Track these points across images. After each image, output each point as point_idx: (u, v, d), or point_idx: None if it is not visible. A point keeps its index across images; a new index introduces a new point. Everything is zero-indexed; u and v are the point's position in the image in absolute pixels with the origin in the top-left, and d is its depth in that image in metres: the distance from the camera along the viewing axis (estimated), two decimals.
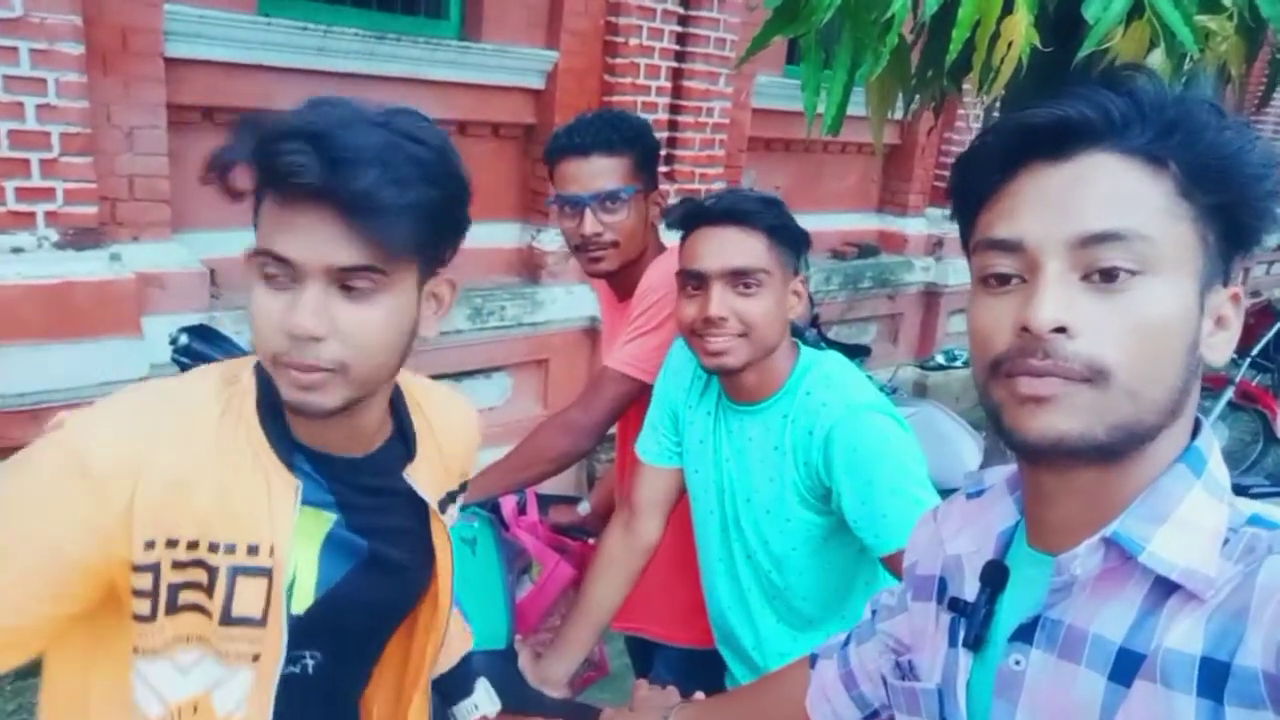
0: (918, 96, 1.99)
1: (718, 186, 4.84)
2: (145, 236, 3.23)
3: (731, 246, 1.44)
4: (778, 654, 1.62)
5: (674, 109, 4.53)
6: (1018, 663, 0.73)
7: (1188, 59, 1.51)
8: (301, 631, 0.97)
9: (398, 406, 1.08)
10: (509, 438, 2.01)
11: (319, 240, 0.84)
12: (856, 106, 1.96)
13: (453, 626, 1.37)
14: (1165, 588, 0.67)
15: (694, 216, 1.49)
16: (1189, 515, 0.68)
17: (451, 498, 1.16)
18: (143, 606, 0.89)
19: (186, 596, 0.90)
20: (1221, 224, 0.69)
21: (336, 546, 0.99)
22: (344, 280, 0.86)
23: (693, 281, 1.47)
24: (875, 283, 5.77)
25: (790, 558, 1.56)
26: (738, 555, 1.63)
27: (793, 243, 1.49)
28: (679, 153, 4.62)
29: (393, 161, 0.84)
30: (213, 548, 0.90)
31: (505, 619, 1.68)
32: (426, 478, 1.08)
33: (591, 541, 2.04)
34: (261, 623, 0.93)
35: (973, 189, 0.76)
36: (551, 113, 4.13)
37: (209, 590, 0.90)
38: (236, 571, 0.91)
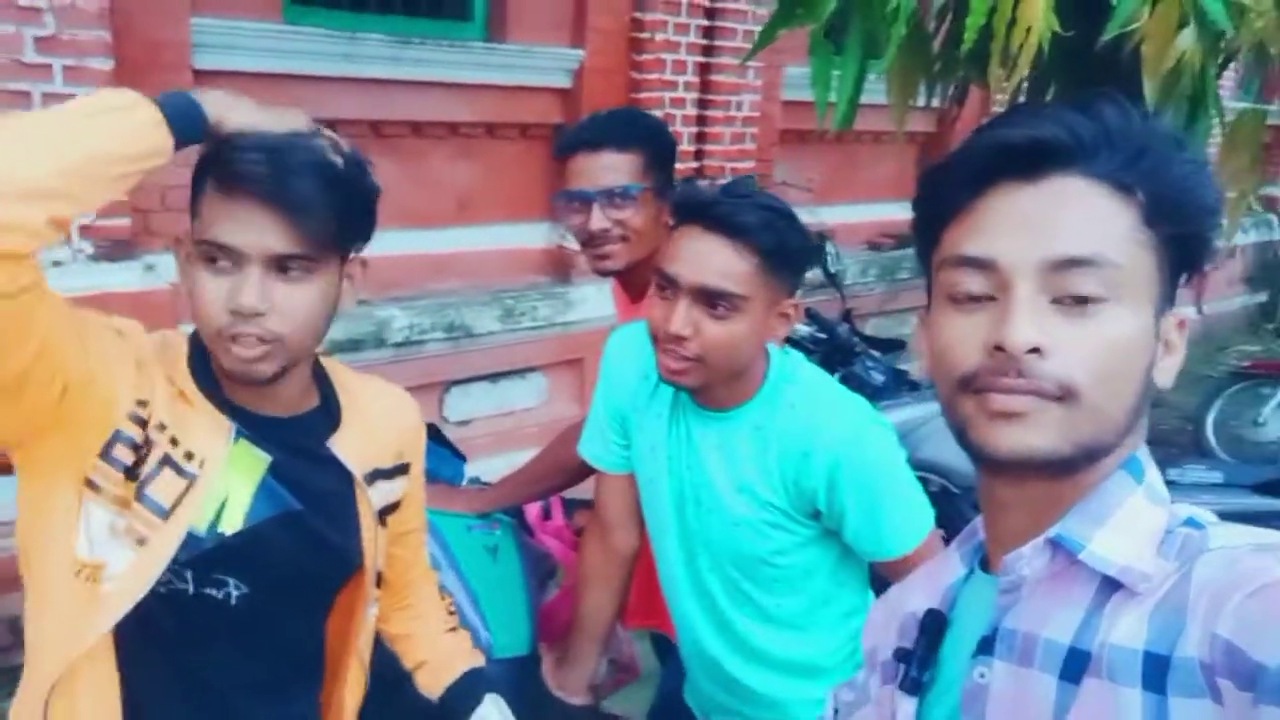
0: (939, 85, 1.93)
1: None
2: None
3: (713, 261, 1.29)
4: (749, 668, 1.54)
5: (702, 104, 4.50)
6: (982, 675, 0.74)
7: (1222, 39, 1.45)
8: (226, 556, 1.08)
9: (322, 383, 1.21)
10: (546, 438, 2.00)
11: (261, 232, 1.00)
12: (882, 95, 1.91)
13: (452, 643, 1.38)
14: (1109, 587, 0.69)
15: (688, 209, 1.34)
16: (1128, 517, 0.70)
17: (385, 475, 1.24)
18: (122, 454, 1.03)
19: (139, 467, 1.04)
20: (1175, 253, 0.71)
21: (270, 492, 1.11)
22: (281, 265, 1.03)
23: (663, 282, 1.34)
24: (914, 273, 5.67)
25: (764, 569, 1.46)
26: (703, 568, 1.51)
27: (791, 264, 1.34)
28: (709, 147, 4.58)
29: (324, 174, 1.03)
30: (161, 427, 1.05)
31: (527, 626, 1.67)
32: (352, 450, 1.19)
33: None
34: (164, 515, 1.04)
35: (941, 205, 0.76)
36: (579, 112, 4.11)
37: (144, 461, 1.04)
38: (166, 460, 1.05)
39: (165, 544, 1.04)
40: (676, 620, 1.61)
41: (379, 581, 1.27)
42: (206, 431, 1.08)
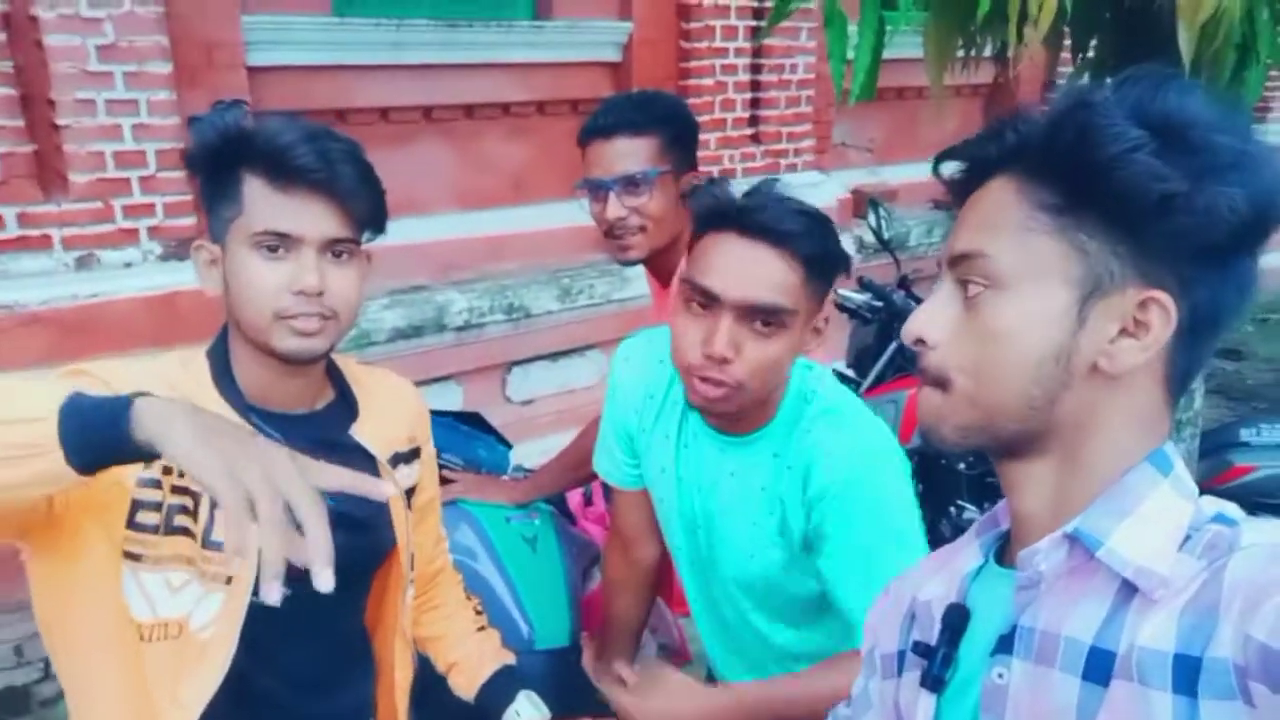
0: (976, 45, 1.86)
1: (806, 145, 4.69)
2: None
3: (759, 274, 1.17)
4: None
5: (755, 69, 4.41)
6: (1001, 675, 0.73)
7: None
8: None
9: (335, 376, 1.26)
10: None
11: (316, 218, 1.08)
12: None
13: (481, 642, 1.40)
14: (1132, 585, 0.67)
15: (720, 216, 1.21)
16: (1152, 512, 0.69)
17: (404, 459, 1.29)
18: (147, 518, 1.04)
19: (180, 520, 1.06)
20: (1121, 230, 0.68)
21: None
22: (332, 248, 1.10)
23: (700, 298, 1.20)
24: None
25: (776, 602, 1.39)
26: (716, 595, 1.44)
27: (830, 272, 1.23)
28: (764, 113, 4.50)
29: (357, 161, 1.10)
30: None
31: (568, 617, 1.69)
32: (373, 436, 1.24)
33: None
34: None
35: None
36: (629, 85, 4.08)
37: (194, 515, 1.07)
38: (214, 503, 1.03)
39: (248, 571, 1.06)
40: (701, 635, 1.59)
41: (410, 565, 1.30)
42: None
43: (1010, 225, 0.71)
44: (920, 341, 0.75)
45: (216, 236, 1.11)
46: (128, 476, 1.03)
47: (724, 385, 1.20)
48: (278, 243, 1.07)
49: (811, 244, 1.19)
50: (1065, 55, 2.10)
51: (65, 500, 1.00)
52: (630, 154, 1.65)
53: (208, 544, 1.07)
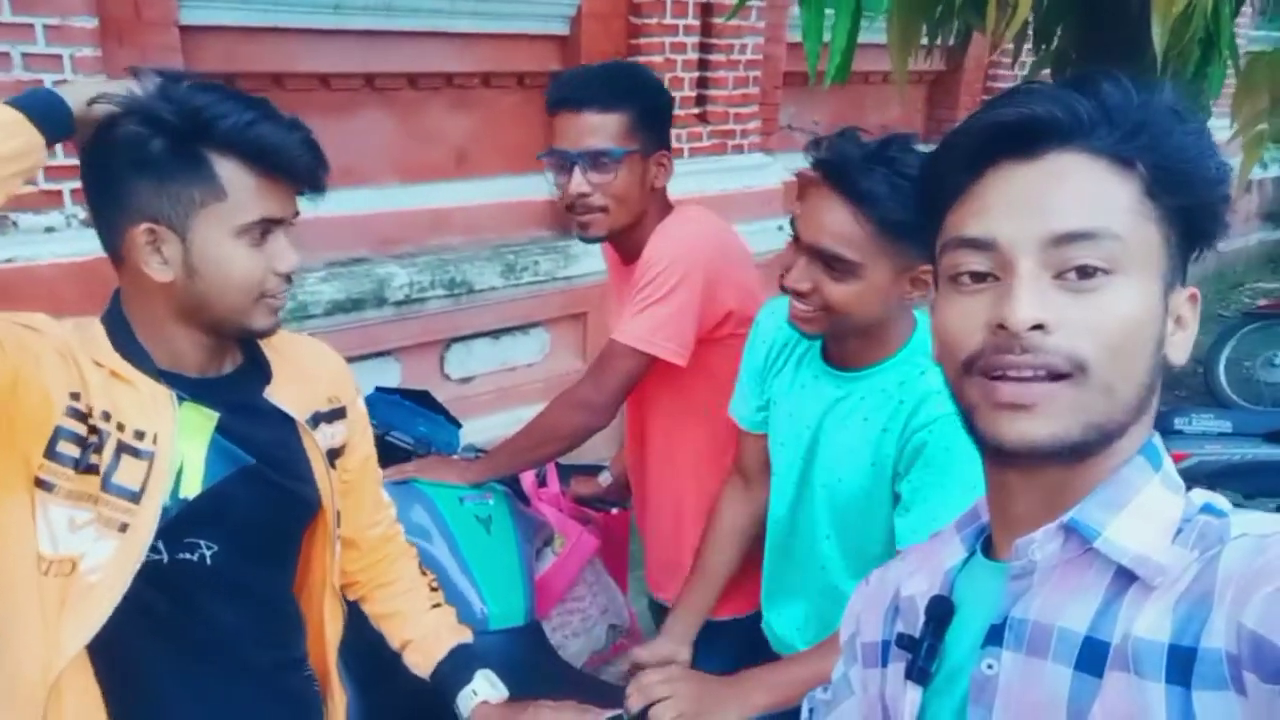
0: (941, 31, 1.85)
1: (753, 126, 4.68)
2: None
3: (826, 222, 1.26)
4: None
5: (704, 47, 4.37)
6: (990, 667, 0.72)
7: None
8: (192, 519, 1.12)
9: (246, 341, 1.23)
10: (549, 393, 1.97)
11: (290, 198, 1.13)
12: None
13: (437, 619, 1.38)
14: (1127, 576, 0.67)
15: (820, 165, 1.30)
16: (1146, 504, 0.69)
17: (325, 418, 1.28)
18: (67, 449, 1.03)
19: (92, 458, 1.05)
20: (1182, 226, 0.70)
21: (221, 450, 1.15)
22: (290, 222, 1.14)
23: (791, 237, 1.35)
24: None
25: (850, 537, 1.46)
26: (800, 523, 1.52)
27: (915, 234, 1.32)
28: (712, 93, 4.47)
29: (311, 139, 1.12)
30: (105, 416, 1.06)
31: (523, 595, 1.66)
32: (289, 397, 1.23)
33: (615, 511, 2.00)
34: (136, 498, 1.07)
35: (943, 188, 0.75)
36: (577, 59, 4.01)
37: (100, 452, 1.05)
38: (122, 447, 1.07)
39: (145, 524, 1.07)
40: (765, 597, 1.64)
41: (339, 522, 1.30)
42: (150, 405, 1.09)
43: (1122, 208, 0.68)
44: (1039, 327, 0.67)
45: (172, 221, 1.06)
46: (54, 401, 1.01)
47: (806, 311, 1.34)
48: (268, 228, 1.10)
49: (893, 207, 1.22)
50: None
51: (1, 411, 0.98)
52: (598, 129, 1.62)
53: (107, 486, 1.05)
